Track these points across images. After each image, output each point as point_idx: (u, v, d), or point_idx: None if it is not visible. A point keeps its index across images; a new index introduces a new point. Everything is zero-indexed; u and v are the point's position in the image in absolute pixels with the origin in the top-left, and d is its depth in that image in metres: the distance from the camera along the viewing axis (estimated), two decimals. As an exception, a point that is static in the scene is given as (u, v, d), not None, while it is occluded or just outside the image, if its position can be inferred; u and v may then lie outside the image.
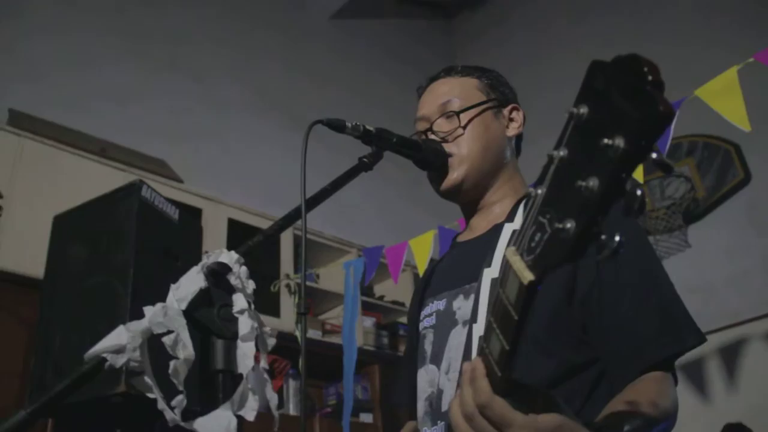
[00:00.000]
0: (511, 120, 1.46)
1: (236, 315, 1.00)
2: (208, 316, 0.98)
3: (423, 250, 3.44)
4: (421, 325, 1.41)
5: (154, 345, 0.93)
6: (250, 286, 1.05)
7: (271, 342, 1.05)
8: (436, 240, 3.44)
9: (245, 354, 0.99)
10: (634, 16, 5.86)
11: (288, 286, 4.05)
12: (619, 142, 0.56)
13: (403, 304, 4.90)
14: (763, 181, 4.46)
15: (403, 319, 4.84)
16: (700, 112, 2.92)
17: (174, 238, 1.88)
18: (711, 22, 5.28)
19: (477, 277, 1.23)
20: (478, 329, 1.16)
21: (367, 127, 1.37)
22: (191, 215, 2.97)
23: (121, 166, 3.68)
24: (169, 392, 0.91)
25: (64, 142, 3.56)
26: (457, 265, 1.41)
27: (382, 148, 1.39)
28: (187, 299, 0.96)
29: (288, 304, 4.03)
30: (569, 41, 7.07)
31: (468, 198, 1.43)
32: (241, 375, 0.98)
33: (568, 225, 0.60)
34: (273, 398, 1.02)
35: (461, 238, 1.49)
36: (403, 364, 1.59)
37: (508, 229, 1.27)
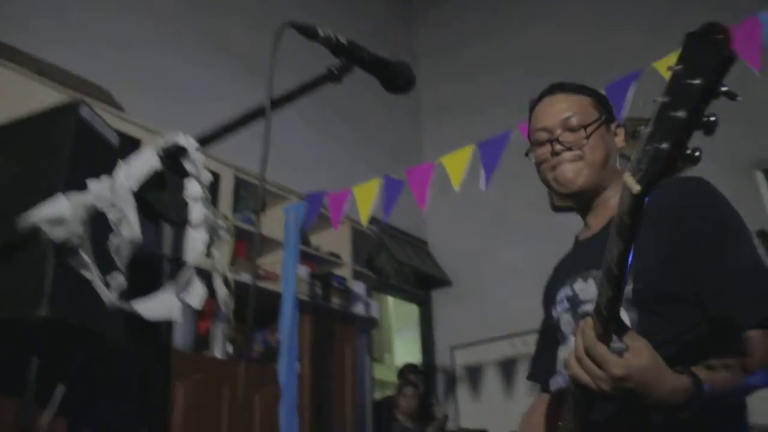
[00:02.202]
0: (615, 135, 1.64)
1: (188, 201, 0.93)
2: (159, 198, 0.91)
3: (366, 198, 3.39)
4: (555, 312, 1.63)
5: (93, 223, 0.85)
6: (206, 175, 0.98)
7: (224, 235, 0.98)
8: (381, 189, 3.40)
9: (195, 241, 0.92)
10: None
11: (226, 226, 3.95)
12: (699, 80, 0.82)
13: (339, 257, 4.85)
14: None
15: (339, 271, 4.81)
16: (655, 91, 2.94)
17: (111, 163, 1.78)
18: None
19: (597, 266, 1.35)
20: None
21: (340, 38, 1.31)
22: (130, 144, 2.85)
23: (60, 88, 3.49)
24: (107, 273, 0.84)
25: (2, 58, 3.35)
26: (579, 260, 1.61)
27: (352, 61, 1.33)
28: (137, 178, 0.89)
29: (224, 247, 3.93)
30: (522, 20, 7.09)
31: (586, 199, 1.61)
32: (188, 263, 0.91)
33: (664, 145, 0.85)
34: (221, 289, 0.96)
35: (581, 237, 1.71)
36: (540, 345, 1.81)
37: None
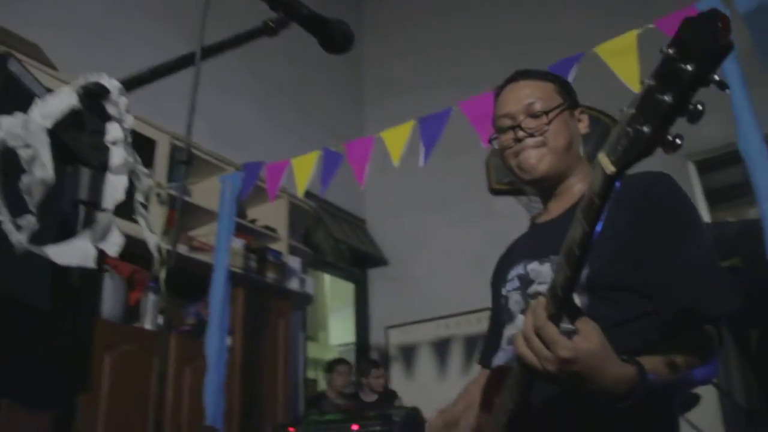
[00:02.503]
0: (579, 120, 1.64)
1: (109, 145, 0.89)
2: (76, 140, 0.86)
3: (304, 170, 3.35)
4: (505, 290, 1.62)
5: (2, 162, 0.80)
6: (129, 120, 0.93)
7: (147, 183, 0.94)
8: (320, 161, 3.36)
9: (115, 187, 0.87)
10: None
11: (159, 195, 3.85)
12: (691, 66, 0.79)
13: (275, 230, 4.79)
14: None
15: (275, 245, 4.75)
16: (594, 77, 2.98)
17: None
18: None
19: (554, 252, 1.34)
20: None
21: (278, -10, 1.27)
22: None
23: (-12, 42, 3.34)
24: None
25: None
26: (535, 242, 1.62)
27: (290, 16, 1.30)
28: (53, 117, 0.83)
29: (157, 215, 3.83)
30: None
31: (549, 184, 1.61)
32: (106, 209, 0.87)
33: (645, 128, 0.83)
34: (151, 238, 0.91)
35: (539, 220, 1.70)
36: (490, 329, 1.80)
37: None
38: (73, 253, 0.82)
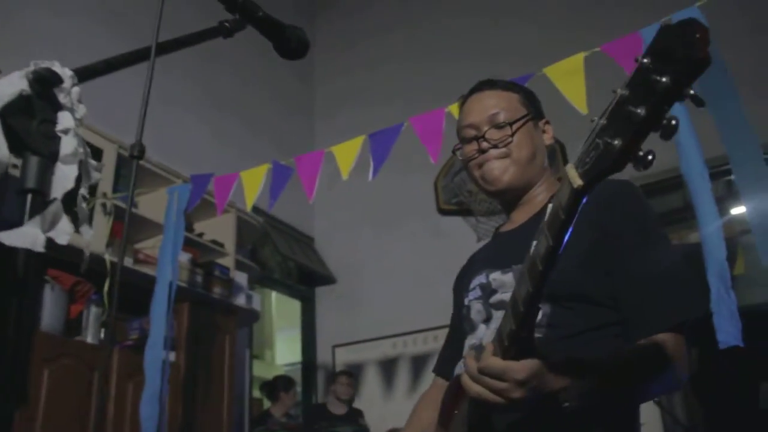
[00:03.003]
0: (543, 132, 1.65)
1: (59, 134, 0.87)
2: (26, 127, 0.84)
3: (254, 182, 3.33)
4: (467, 300, 1.60)
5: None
6: (81, 110, 0.91)
7: (96, 176, 0.92)
8: (269, 175, 3.34)
9: (65, 176, 0.86)
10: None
11: (104, 205, 3.78)
12: (666, 78, 0.75)
13: (222, 245, 4.74)
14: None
15: (221, 260, 4.70)
16: (543, 96, 3.04)
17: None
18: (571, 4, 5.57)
19: (517, 261, 1.39)
20: None
21: (235, -7, 1.28)
22: None
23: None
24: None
25: None
26: (498, 251, 1.62)
27: (246, 18, 1.31)
28: (1, 100, 0.81)
29: (101, 225, 3.76)
30: (420, 16, 7.17)
31: (513, 195, 1.61)
32: (56, 198, 0.85)
33: (617, 141, 0.79)
34: (87, 233, 0.90)
35: (503, 229, 1.70)
36: (449, 339, 1.80)
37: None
38: (22, 237, 0.80)
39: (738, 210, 5.15)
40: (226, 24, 1.27)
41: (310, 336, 6.77)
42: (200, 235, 4.66)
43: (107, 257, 3.71)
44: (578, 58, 3.06)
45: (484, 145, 1.56)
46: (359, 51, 7.53)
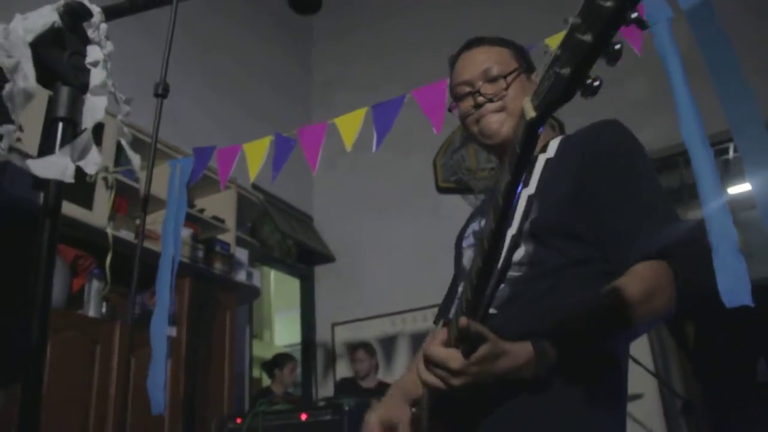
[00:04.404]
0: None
1: (89, 66, 0.88)
2: (57, 59, 0.86)
3: (257, 155, 3.33)
4: (462, 248, 1.62)
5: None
6: (109, 46, 0.93)
7: (125, 108, 0.93)
8: (272, 147, 3.34)
9: (95, 107, 0.87)
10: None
11: (105, 179, 3.78)
12: (610, 2, 0.74)
13: (223, 221, 4.75)
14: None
15: (222, 236, 4.70)
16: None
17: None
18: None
19: None
20: (511, 232, 1.29)
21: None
22: None
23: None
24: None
25: None
26: (491, 199, 1.59)
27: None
28: (34, 31, 0.83)
29: (103, 199, 3.77)
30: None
31: (506, 147, 1.57)
32: (86, 128, 0.86)
33: (565, 70, 0.78)
34: (135, 158, 0.91)
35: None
36: (449, 288, 1.77)
37: (542, 159, 1.45)
38: (52, 167, 0.81)
39: (736, 189, 5.18)
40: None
41: (310, 314, 6.80)
42: (201, 211, 4.66)
43: (109, 231, 3.72)
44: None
45: (480, 99, 1.57)
46: (359, 36, 7.52)
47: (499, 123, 1.55)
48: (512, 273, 1.35)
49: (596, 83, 0.79)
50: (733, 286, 2.08)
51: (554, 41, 3.09)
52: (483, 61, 1.60)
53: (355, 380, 5.65)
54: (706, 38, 2.90)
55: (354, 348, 5.79)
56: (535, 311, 1.29)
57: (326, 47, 7.67)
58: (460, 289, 1.46)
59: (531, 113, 0.86)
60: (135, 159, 0.93)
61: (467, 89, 1.61)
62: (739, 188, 5.14)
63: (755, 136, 2.63)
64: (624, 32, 3.03)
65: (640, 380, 4.09)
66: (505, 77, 1.56)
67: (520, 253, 1.36)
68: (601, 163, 1.37)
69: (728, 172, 5.30)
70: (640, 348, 4.59)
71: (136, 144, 4.06)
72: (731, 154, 5.39)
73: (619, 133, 1.42)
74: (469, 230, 1.62)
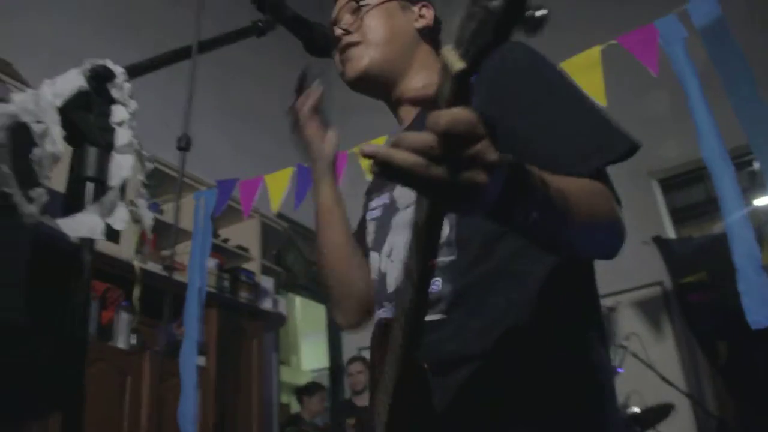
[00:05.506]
0: (421, 16, 1.43)
1: (114, 125, 0.92)
2: (84, 120, 0.90)
3: (279, 186, 3.39)
4: (367, 219, 1.45)
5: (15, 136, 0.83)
6: (133, 105, 0.97)
7: (149, 166, 0.97)
8: (294, 177, 3.39)
9: (120, 165, 0.91)
10: None
11: (132, 212, 3.84)
12: None
13: (247, 250, 4.80)
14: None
15: (247, 265, 4.76)
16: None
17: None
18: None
19: None
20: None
21: (266, -7, 1.32)
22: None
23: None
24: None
25: None
26: None
27: (276, 17, 1.35)
28: (63, 96, 0.87)
29: (129, 232, 3.83)
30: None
31: (379, 87, 1.43)
32: (113, 186, 0.90)
33: (495, 2, 0.60)
34: (147, 216, 0.95)
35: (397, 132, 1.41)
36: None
37: None
38: (82, 226, 0.85)
39: (762, 201, 5.15)
40: (259, 23, 1.31)
41: (336, 340, 6.81)
42: (225, 240, 4.72)
43: (136, 264, 3.78)
44: (595, 51, 3.08)
45: (338, 32, 1.40)
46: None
47: (357, 57, 1.37)
48: (443, 258, 1.15)
49: (539, 13, 0.61)
50: (759, 308, 2.08)
51: (569, 65, 3.10)
52: None
53: (350, 400, 5.49)
54: (721, 56, 2.92)
55: (349, 361, 5.57)
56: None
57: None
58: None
59: (458, 65, 0.65)
60: (147, 218, 0.96)
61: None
62: (766, 200, 5.12)
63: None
64: (640, 52, 3.06)
65: (673, 399, 4.06)
66: (361, 7, 1.39)
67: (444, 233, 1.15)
68: (514, 88, 1.15)
69: (754, 183, 5.26)
70: (671, 365, 4.55)
71: (161, 176, 4.13)
72: (756, 165, 5.36)
73: (524, 52, 1.18)
74: (376, 203, 1.43)
